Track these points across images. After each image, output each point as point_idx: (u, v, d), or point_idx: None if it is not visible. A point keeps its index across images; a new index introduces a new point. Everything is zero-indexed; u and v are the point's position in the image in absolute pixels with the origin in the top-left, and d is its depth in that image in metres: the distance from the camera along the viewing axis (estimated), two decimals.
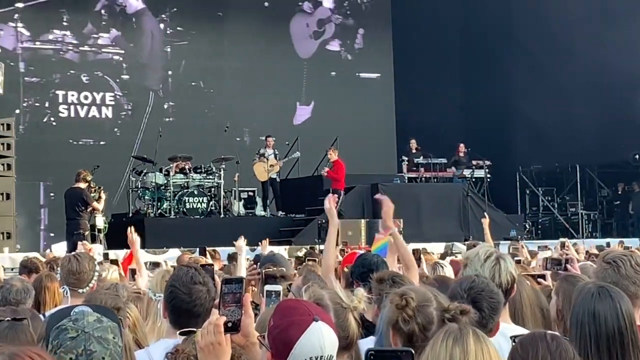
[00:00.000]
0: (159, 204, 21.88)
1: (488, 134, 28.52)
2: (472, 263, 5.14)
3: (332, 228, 7.22)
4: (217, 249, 14.17)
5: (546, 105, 27.99)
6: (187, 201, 21.94)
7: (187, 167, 22.40)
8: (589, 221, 27.34)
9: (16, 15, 26.14)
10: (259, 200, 23.65)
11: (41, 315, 6.22)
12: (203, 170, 22.50)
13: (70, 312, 3.09)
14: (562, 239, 10.21)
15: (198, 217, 22.00)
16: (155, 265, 11.55)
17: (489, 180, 25.45)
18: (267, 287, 4.74)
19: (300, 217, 23.44)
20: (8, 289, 6.66)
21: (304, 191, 24.05)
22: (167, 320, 4.89)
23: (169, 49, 28.20)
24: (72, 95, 26.65)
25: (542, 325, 5.41)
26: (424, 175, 25.56)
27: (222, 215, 22.48)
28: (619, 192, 28.18)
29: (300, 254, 14.47)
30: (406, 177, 25.32)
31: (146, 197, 22.10)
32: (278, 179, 23.95)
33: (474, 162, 26.09)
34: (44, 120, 25.95)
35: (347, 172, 24.74)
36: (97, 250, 15.82)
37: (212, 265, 7.07)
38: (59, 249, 18.88)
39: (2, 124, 19.68)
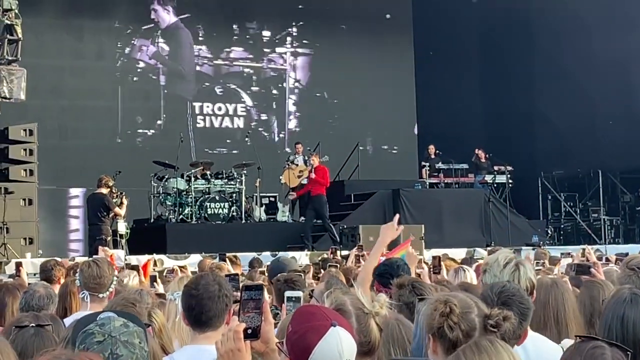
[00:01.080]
0: (180, 209, 21.93)
1: (510, 140, 28.43)
2: (492, 269, 5.13)
3: (380, 246, 7.23)
4: (238, 254, 14.14)
5: (568, 110, 27.88)
6: (208, 207, 21.98)
7: (208, 172, 22.47)
8: (611, 227, 27.21)
9: (158, 32, 27.76)
10: (280, 205, 23.67)
11: (67, 320, 6.26)
12: (224, 176, 22.56)
13: (97, 318, 3.11)
14: (582, 246, 10.18)
15: (219, 222, 22.04)
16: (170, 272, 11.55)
17: (510, 185, 25.37)
18: (288, 293, 4.75)
19: (321, 222, 23.44)
20: (31, 294, 6.67)
21: (326, 197, 24.07)
22: (188, 326, 4.91)
23: (295, 62, 29.66)
24: (207, 106, 28.21)
25: (583, 329, 5.37)
26: (445, 181, 25.52)
27: (243, 221, 22.51)
28: None
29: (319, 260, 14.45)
30: (427, 183, 25.27)
31: (168, 203, 22.16)
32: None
33: (495, 168, 26.03)
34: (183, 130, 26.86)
35: (369, 178, 24.79)
36: (119, 255, 15.90)
37: (238, 274, 7.08)
38: None
39: (25, 130, 19.78)
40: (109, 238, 18.35)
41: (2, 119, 19.67)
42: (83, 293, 6.55)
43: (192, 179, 22.10)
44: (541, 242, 22.73)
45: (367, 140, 29.30)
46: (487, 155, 26.48)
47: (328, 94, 29.61)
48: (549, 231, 26.08)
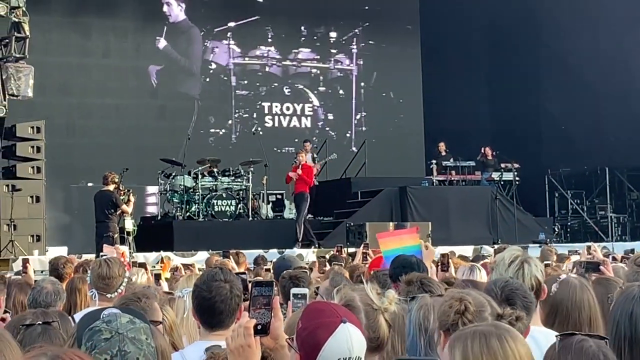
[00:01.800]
0: (187, 206, 21.96)
1: (517, 137, 28.43)
2: (497, 267, 5.14)
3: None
4: (244, 251, 14.15)
5: (575, 108, 27.86)
6: (215, 204, 22.01)
7: (215, 170, 22.50)
8: (618, 224, 27.17)
9: (229, 34, 28.68)
10: (287, 203, 23.69)
11: (71, 318, 6.27)
12: (231, 173, 22.57)
13: (101, 315, 3.11)
14: (588, 244, 10.16)
15: (226, 220, 22.06)
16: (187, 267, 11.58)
17: (517, 183, 25.35)
18: (294, 290, 4.75)
19: (328, 219, 23.47)
20: (39, 290, 6.69)
21: (333, 194, 24.09)
22: (199, 324, 4.92)
23: (361, 62, 30.32)
24: (276, 106, 29.08)
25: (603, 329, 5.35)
26: (452, 179, 25.51)
27: (250, 218, 22.53)
28: None
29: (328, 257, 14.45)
30: (434, 180, 25.26)
31: (175, 200, 22.18)
32: (316, 182, 23.91)
33: (502, 165, 26.03)
34: (252, 130, 27.55)
35: (376, 176, 24.79)
36: (125, 252, 15.90)
37: (245, 273, 7.08)
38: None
39: (32, 127, 19.81)
40: (116, 235, 18.36)
41: (10, 117, 19.70)
42: (92, 291, 6.56)
43: (199, 176, 22.12)
44: (548, 240, 22.70)
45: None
46: (494, 153, 26.47)
47: (394, 93, 30.17)
48: (556, 229, 26.07)
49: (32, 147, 19.66)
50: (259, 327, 3.43)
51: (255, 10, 28.72)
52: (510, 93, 29.73)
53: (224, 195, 22.24)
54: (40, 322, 4.43)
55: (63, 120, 25.39)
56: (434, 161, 25.97)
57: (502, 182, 25.62)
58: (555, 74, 28.74)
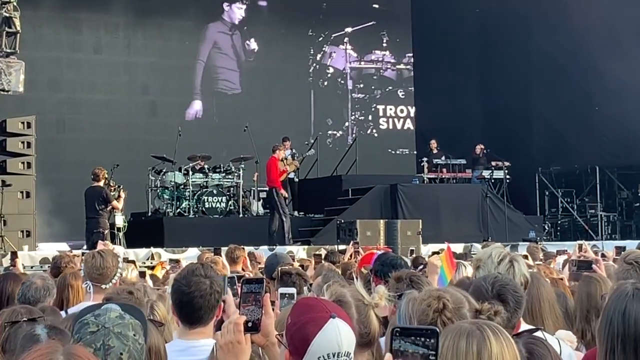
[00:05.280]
0: (178, 203, 21.94)
1: (507, 135, 28.46)
2: (485, 265, 5.14)
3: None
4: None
5: (566, 107, 27.90)
6: (206, 200, 21.99)
7: (205, 166, 22.48)
8: (608, 223, 27.23)
9: (346, 39, 30.01)
10: None
11: (63, 312, 6.27)
12: (222, 170, 22.55)
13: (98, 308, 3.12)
14: (579, 242, 10.19)
15: (217, 216, 22.05)
16: (175, 262, 11.59)
17: (508, 181, 25.38)
18: (281, 290, 4.75)
19: (319, 217, 23.46)
20: (28, 286, 6.68)
21: (323, 191, 24.09)
22: (178, 321, 4.89)
23: None
24: (390, 109, 30.46)
25: (562, 324, 5.40)
26: (443, 176, 25.53)
27: (241, 215, 22.52)
28: (639, 194, 28.05)
29: (322, 254, 14.48)
30: (425, 178, 25.28)
31: (165, 197, 22.16)
32: (296, 179, 23.96)
33: (493, 163, 26.05)
34: (368, 132, 29.62)
35: (366, 173, 24.82)
36: (118, 252, 15.89)
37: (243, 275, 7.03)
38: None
39: (23, 123, 19.76)
40: (106, 231, 18.33)
41: (1, 112, 19.65)
42: (86, 283, 6.57)
43: (190, 172, 22.10)
44: (538, 238, 22.74)
45: None
46: (484, 151, 26.50)
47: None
48: (546, 227, 26.11)
49: (23, 142, 19.60)
50: (250, 324, 3.43)
51: (372, 16, 29.95)
52: (501, 91, 29.75)
53: (214, 191, 22.22)
54: (26, 319, 4.42)
55: (54, 115, 25.36)
56: (425, 159, 26.00)
57: (492, 180, 25.65)
58: (547, 72, 28.78)
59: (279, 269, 7.00)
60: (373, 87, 30.51)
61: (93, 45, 26.70)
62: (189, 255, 17.27)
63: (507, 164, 25.69)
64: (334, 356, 3.17)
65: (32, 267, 16.02)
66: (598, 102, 27.00)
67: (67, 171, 24.77)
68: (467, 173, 25.85)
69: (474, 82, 31.17)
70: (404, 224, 21.01)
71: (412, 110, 30.72)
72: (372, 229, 20.53)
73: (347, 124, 29.90)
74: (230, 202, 22.32)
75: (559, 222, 27.67)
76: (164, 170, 22.35)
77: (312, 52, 29.68)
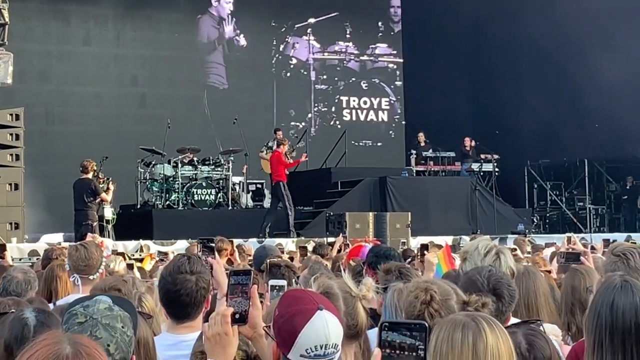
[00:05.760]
0: (167, 195, 21.91)
1: (496, 128, 28.49)
2: (472, 257, 5.15)
3: None
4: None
5: (555, 100, 27.94)
6: (195, 193, 21.96)
7: (195, 158, 22.45)
8: (596, 216, 27.30)
9: (309, 30, 29.74)
10: (266, 192, 23.66)
11: (51, 305, 6.25)
12: (211, 162, 22.52)
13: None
14: (568, 234, 10.20)
15: (206, 208, 22.03)
16: (164, 255, 11.57)
17: (497, 174, 25.42)
18: (272, 282, 4.74)
19: (308, 209, 23.45)
20: (9, 280, 6.66)
21: (313, 184, 24.08)
22: (165, 314, 4.89)
23: None
24: (354, 100, 30.21)
25: (555, 316, 5.42)
26: (432, 169, 25.55)
27: (230, 208, 22.50)
28: (627, 187, 28.12)
29: (309, 246, 14.50)
30: (414, 171, 25.30)
31: (154, 189, 22.12)
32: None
33: (482, 156, 26.09)
34: (331, 123, 29.33)
35: (355, 166, 24.81)
36: (107, 245, 15.86)
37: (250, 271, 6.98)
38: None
39: (11, 114, 19.69)
40: (95, 223, 18.30)
41: None
42: (74, 276, 6.56)
43: (179, 165, 22.07)
44: (527, 231, 22.78)
45: None
46: (473, 144, 26.52)
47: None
48: (535, 220, 26.15)
49: (11, 134, 19.53)
50: (237, 315, 3.43)
51: (335, 7, 29.65)
52: (490, 84, 29.78)
53: (203, 184, 22.20)
54: (14, 311, 4.41)
55: (42, 107, 25.30)
56: (413, 151, 26.01)
57: (481, 173, 25.68)
58: (536, 65, 28.81)
59: (268, 261, 7.00)
60: (336, 79, 30.23)
61: (82, 37, 26.64)
62: (178, 248, 17.27)
63: (496, 156, 25.74)
64: (321, 348, 3.17)
65: (20, 260, 15.98)
66: (587, 95, 27.03)
67: (56, 163, 24.73)
68: (456, 166, 25.88)
69: (463, 75, 31.19)
70: (393, 216, 21.03)
71: (376, 102, 30.42)
72: (361, 222, 20.54)
73: (310, 115, 29.64)
74: (219, 195, 22.30)
75: (548, 214, 27.73)
76: (153, 163, 22.32)
77: (274, 43, 29.42)
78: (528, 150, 28.40)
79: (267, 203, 23.53)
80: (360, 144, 28.61)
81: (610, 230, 25.67)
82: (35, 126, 22.60)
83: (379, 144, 28.33)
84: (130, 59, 27.27)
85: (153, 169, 22.23)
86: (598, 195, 28.12)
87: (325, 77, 30.06)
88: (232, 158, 22.73)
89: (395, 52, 30.88)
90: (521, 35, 29.23)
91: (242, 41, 28.93)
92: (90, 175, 18.49)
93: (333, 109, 29.94)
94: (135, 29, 27.43)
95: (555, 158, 28.10)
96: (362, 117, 30.37)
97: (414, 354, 2.79)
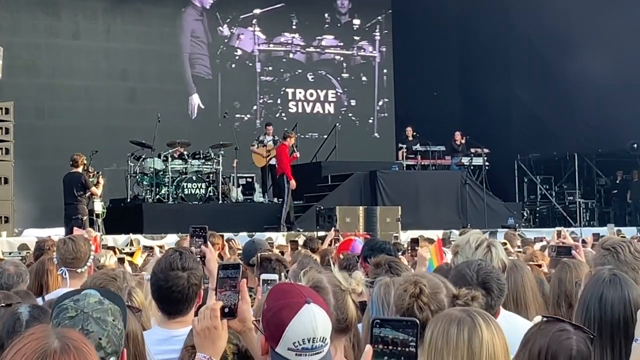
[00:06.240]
0: (157, 189, 21.87)
1: (487, 122, 28.52)
2: (464, 251, 5.15)
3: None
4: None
5: (545, 94, 27.98)
6: (185, 187, 21.93)
7: (185, 152, 22.43)
8: (586, 210, 27.37)
9: (254, 21, 29.22)
10: (257, 186, 23.66)
11: (40, 299, 6.24)
12: (202, 156, 22.50)
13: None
14: (558, 228, 10.23)
15: (196, 202, 22.00)
16: (149, 249, 11.55)
17: (487, 168, 25.46)
18: (263, 276, 4.74)
19: (298, 203, 23.45)
20: (1, 272, 6.66)
21: (303, 178, 24.05)
22: (158, 309, 4.89)
23: (384, 49, 30.97)
24: (300, 92, 29.66)
25: (543, 310, 5.43)
26: (422, 163, 25.57)
27: (220, 202, 22.48)
28: (617, 181, 28.20)
29: (300, 241, 14.49)
30: (404, 165, 25.32)
31: (144, 183, 22.08)
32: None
33: (472, 150, 26.11)
34: (277, 115, 28.71)
35: (345, 160, 24.82)
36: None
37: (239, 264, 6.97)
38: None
39: (1, 108, 19.63)
40: (85, 217, 18.28)
41: None
42: (61, 270, 6.55)
43: (169, 159, 22.04)
44: (517, 225, 22.83)
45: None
46: (463, 138, 26.55)
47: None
48: (525, 214, 26.20)
49: (1, 128, 19.46)
50: (226, 309, 3.43)
51: None
52: (480, 78, 29.80)
53: (193, 178, 22.16)
54: (3, 305, 4.40)
55: (32, 101, 25.24)
56: (403, 146, 26.03)
57: (471, 167, 25.71)
58: (526, 59, 28.85)
59: (259, 254, 6.99)
60: (282, 70, 29.73)
61: (72, 30, 26.57)
62: (168, 242, 17.24)
63: (486, 151, 25.77)
64: (309, 341, 3.16)
65: (10, 254, 15.96)
66: (577, 89, 27.07)
67: (46, 157, 24.69)
68: (447, 160, 25.91)
69: (453, 69, 31.21)
70: (384, 210, 21.05)
71: (322, 94, 29.99)
72: (352, 216, 20.55)
73: (255, 107, 29.25)
74: (209, 189, 22.28)
75: (538, 208, 27.79)
76: (143, 157, 22.28)
77: (219, 34, 28.97)
78: (518, 145, 28.45)
79: (257, 197, 23.53)
80: (307, 136, 27.93)
81: (600, 224, 25.72)
82: (25, 120, 22.54)
83: (324, 136, 27.63)
84: (120, 53, 27.21)
85: (143, 163, 22.18)
86: (588, 189, 28.20)
87: (270, 68, 29.56)
88: (222, 152, 22.70)
89: (342, 43, 30.33)
90: (511, 29, 29.27)
91: (226, 32, 28.81)
92: (80, 169, 18.46)
93: (279, 100, 29.42)
94: (125, 23, 27.37)
95: (545, 152, 28.15)
96: (308, 110, 29.82)
97: (406, 349, 2.79)
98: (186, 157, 22.36)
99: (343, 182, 23.28)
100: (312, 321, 3.17)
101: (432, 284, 3.93)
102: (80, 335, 2.65)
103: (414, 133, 26.20)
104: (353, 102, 30.26)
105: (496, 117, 29.07)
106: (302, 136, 26.95)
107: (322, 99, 30.01)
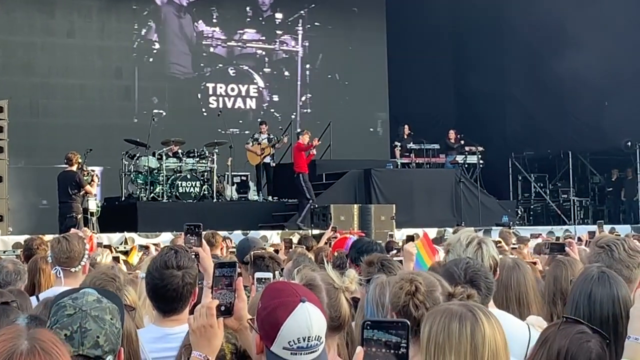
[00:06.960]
0: (151, 187, 21.87)
1: (481, 120, 28.54)
2: (455, 249, 5.16)
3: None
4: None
5: (539, 92, 28.00)
6: (179, 185, 21.93)
7: (179, 151, 22.43)
8: (580, 208, 27.41)
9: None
10: (251, 184, 23.67)
11: (33, 298, 6.25)
12: (196, 155, 22.49)
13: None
14: (551, 227, 10.26)
15: (191, 201, 22.00)
16: (145, 248, 11.57)
17: (481, 166, 25.49)
18: (257, 275, 4.74)
19: (293, 201, 23.45)
20: None
21: (291, 178, 24.08)
22: (153, 307, 4.90)
23: (307, 44, 30.09)
24: (221, 87, 28.72)
25: (543, 309, 5.45)
26: (416, 161, 25.59)
27: (214, 200, 22.48)
28: (612, 179, 28.23)
29: (294, 239, 14.50)
30: (399, 163, 25.33)
31: (139, 181, 22.07)
32: (272, 164, 23.93)
33: (466, 148, 26.13)
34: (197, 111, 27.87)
35: (339, 158, 24.83)
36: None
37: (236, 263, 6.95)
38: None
39: None
40: (79, 216, 18.28)
41: None
42: (55, 269, 6.54)
43: (164, 157, 22.03)
44: (511, 223, 22.85)
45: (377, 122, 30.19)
46: (458, 136, 26.57)
47: (339, 75, 30.01)
48: (519, 211, 26.23)
49: None
50: (222, 308, 3.44)
51: None
52: (474, 77, 29.78)
53: (188, 176, 22.17)
54: None
55: (27, 99, 25.21)
56: (398, 144, 26.04)
57: (466, 165, 25.74)
58: (520, 58, 28.85)
59: (252, 253, 6.99)
60: (202, 65, 28.99)
61: (67, 29, 26.53)
62: (163, 240, 17.25)
63: (480, 149, 25.80)
64: (304, 340, 3.17)
65: (4, 252, 15.94)
66: (571, 87, 27.09)
67: (41, 155, 24.66)
68: (441, 158, 25.94)
69: (447, 68, 31.21)
70: (378, 208, 21.07)
71: (244, 89, 29.03)
72: (346, 214, 20.57)
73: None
74: (204, 187, 22.28)
75: (532, 206, 27.82)
76: (138, 155, 22.27)
77: (136, 27, 27.83)
78: (512, 143, 28.48)
79: (251, 195, 23.54)
80: (227, 132, 26.16)
81: (594, 223, 25.64)
82: (20, 118, 22.52)
83: (246, 132, 26.48)
84: (114, 51, 27.18)
85: (138, 161, 22.18)
86: (582, 187, 28.24)
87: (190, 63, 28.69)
88: (216, 150, 22.70)
89: (264, 38, 29.52)
90: (505, 26, 29.27)
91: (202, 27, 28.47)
92: (74, 168, 18.46)
93: (199, 95, 28.38)
94: (120, 21, 27.34)
95: (539, 150, 28.19)
96: (229, 105, 28.77)
97: (397, 351, 2.80)
98: (181, 156, 22.35)
99: (337, 180, 23.30)
100: (307, 320, 3.18)
101: (427, 282, 3.95)
102: (53, 337, 2.61)
103: (410, 131, 26.22)
104: (275, 98, 29.39)
105: (490, 115, 29.09)
106: (222, 131, 25.74)
107: (243, 94, 29.07)
